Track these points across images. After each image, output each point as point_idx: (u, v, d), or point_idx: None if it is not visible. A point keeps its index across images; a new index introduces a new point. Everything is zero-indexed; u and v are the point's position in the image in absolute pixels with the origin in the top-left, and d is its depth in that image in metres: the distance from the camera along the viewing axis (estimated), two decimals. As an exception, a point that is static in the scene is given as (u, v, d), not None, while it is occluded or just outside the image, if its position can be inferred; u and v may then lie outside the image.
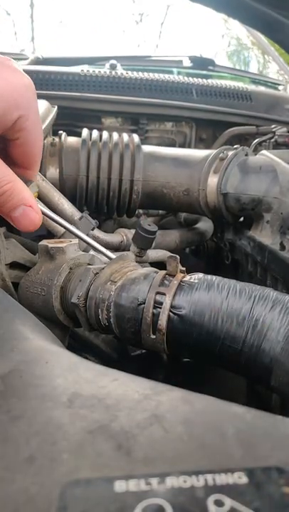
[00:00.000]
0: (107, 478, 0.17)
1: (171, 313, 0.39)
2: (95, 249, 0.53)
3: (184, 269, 0.42)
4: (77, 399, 0.23)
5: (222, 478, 0.17)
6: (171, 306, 0.39)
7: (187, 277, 0.41)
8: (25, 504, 0.17)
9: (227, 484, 0.17)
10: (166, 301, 0.39)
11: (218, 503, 0.16)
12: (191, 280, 0.40)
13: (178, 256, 0.42)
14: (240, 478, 0.17)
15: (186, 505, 0.16)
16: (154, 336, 0.39)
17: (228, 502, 0.16)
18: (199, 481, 0.17)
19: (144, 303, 0.40)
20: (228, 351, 0.36)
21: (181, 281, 0.40)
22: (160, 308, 0.39)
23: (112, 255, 0.52)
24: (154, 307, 0.39)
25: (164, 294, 0.39)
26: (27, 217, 0.39)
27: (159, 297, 0.40)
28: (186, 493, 0.16)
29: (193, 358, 0.43)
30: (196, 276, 0.40)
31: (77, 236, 0.54)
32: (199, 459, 0.18)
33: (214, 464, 0.18)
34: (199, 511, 0.16)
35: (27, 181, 0.39)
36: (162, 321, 0.39)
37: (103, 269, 0.46)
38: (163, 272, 0.42)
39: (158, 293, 0.40)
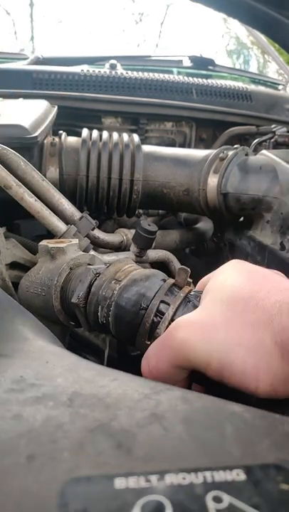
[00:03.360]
0: (107, 475, 0.18)
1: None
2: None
3: (190, 280, 0.42)
4: (77, 398, 0.23)
5: (220, 475, 0.17)
6: (172, 319, 0.38)
7: (193, 292, 0.40)
8: (26, 502, 0.17)
9: (225, 481, 0.17)
10: (169, 312, 0.38)
11: (217, 500, 0.16)
12: (193, 294, 0.39)
13: (189, 269, 0.41)
14: (239, 475, 0.17)
15: (185, 501, 0.16)
16: (148, 342, 0.39)
17: (227, 498, 0.16)
18: (198, 478, 0.17)
19: (146, 309, 0.40)
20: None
21: (186, 295, 0.40)
22: (161, 317, 0.39)
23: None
24: (156, 315, 0.39)
25: (168, 304, 0.39)
26: None
27: (162, 306, 0.39)
28: (185, 489, 0.17)
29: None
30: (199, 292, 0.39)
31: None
32: (198, 456, 0.19)
33: (213, 461, 0.18)
34: (198, 507, 0.16)
35: None
36: (160, 331, 0.38)
37: (108, 267, 0.46)
38: (171, 282, 0.41)
39: (162, 302, 0.39)
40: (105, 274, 0.45)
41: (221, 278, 0.35)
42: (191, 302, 0.39)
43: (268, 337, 0.28)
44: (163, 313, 0.39)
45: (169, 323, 0.38)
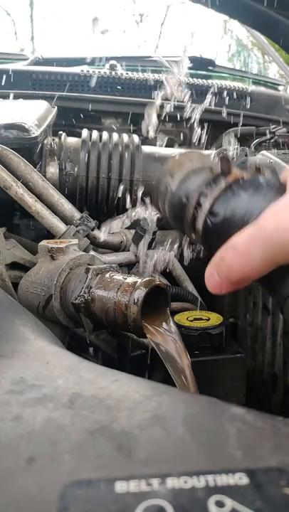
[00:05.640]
0: (108, 478, 0.17)
1: (208, 218, 0.37)
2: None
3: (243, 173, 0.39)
4: (78, 400, 0.23)
5: (223, 479, 0.17)
6: (210, 211, 0.37)
7: (244, 179, 0.38)
8: (26, 505, 0.17)
9: (228, 485, 0.17)
10: (206, 204, 0.38)
11: (219, 504, 0.16)
12: (240, 183, 0.37)
13: (230, 157, 0.40)
14: (241, 479, 0.17)
15: (186, 506, 0.16)
16: (193, 235, 0.39)
17: (229, 503, 0.16)
18: (200, 482, 0.17)
19: (187, 203, 0.39)
20: None
21: (230, 184, 0.38)
22: (200, 210, 0.38)
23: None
24: (195, 208, 0.38)
25: (206, 195, 0.38)
26: None
27: (202, 199, 0.38)
28: (187, 493, 0.17)
29: None
30: (251, 180, 0.37)
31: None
32: (200, 459, 0.18)
33: (215, 464, 0.18)
34: (200, 512, 0.16)
35: None
36: (199, 224, 0.38)
37: (167, 161, 0.45)
38: (218, 172, 0.39)
39: (201, 194, 0.38)
40: (162, 169, 0.44)
41: None
42: (231, 191, 0.37)
43: None
44: (201, 206, 0.38)
45: (207, 216, 0.37)
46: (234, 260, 0.31)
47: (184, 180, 0.41)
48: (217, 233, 0.37)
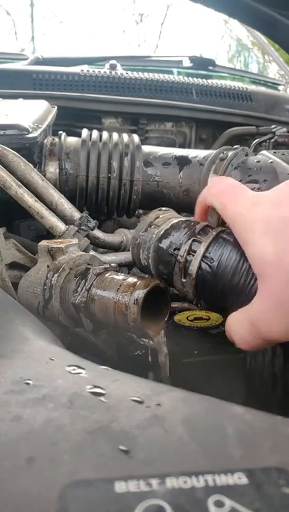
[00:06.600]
0: (107, 479, 0.17)
1: (202, 262, 0.40)
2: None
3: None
4: (77, 400, 0.23)
5: (222, 479, 0.17)
6: (204, 256, 0.40)
7: (227, 231, 0.42)
8: (25, 505, 0.17)
9: (227, 485, 0.17)
10: (201, 249, 0.41)
11: (218, 504, 0.16)
12: (229, 233, 0.41)
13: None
14: (240, 479, 0.17)
15: (186, 505, 0.16)
16: (184, 280, 0.41)
17: (228, 503, 0.16)
18: (199, 482, 0.17)
19: (180, 248, 0.42)
20: None
21: (218, 233, 0.41)
22: (194, 255, 0.41)
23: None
24: (188, 253, 0.41)
25: (200, 242, 0.41)
26: None
27: (194, 245, 0.41)
28: (186, 493, 0.17)
29: (217, 308, 0.49)
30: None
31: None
32: (199, 459, 0.18)
33: (214, 464, 0.18)
34: (199, 512, 0.16)
35: None
36: (193, 267, 0.40)
37: (148, 213, 0.49)
38: (204, 223, 0.44)
39: (194, 240, 0.41)
40: (145, 220, 0.47)
41: (258, 245, 0.35)
42: (222, 239, 0.41)
43: None
44: (195, 251, 0.41)
45: (201, 260, 0.40)
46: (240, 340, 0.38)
47: (172, 229, 0.45)
48: (212, 276, 0.40)
